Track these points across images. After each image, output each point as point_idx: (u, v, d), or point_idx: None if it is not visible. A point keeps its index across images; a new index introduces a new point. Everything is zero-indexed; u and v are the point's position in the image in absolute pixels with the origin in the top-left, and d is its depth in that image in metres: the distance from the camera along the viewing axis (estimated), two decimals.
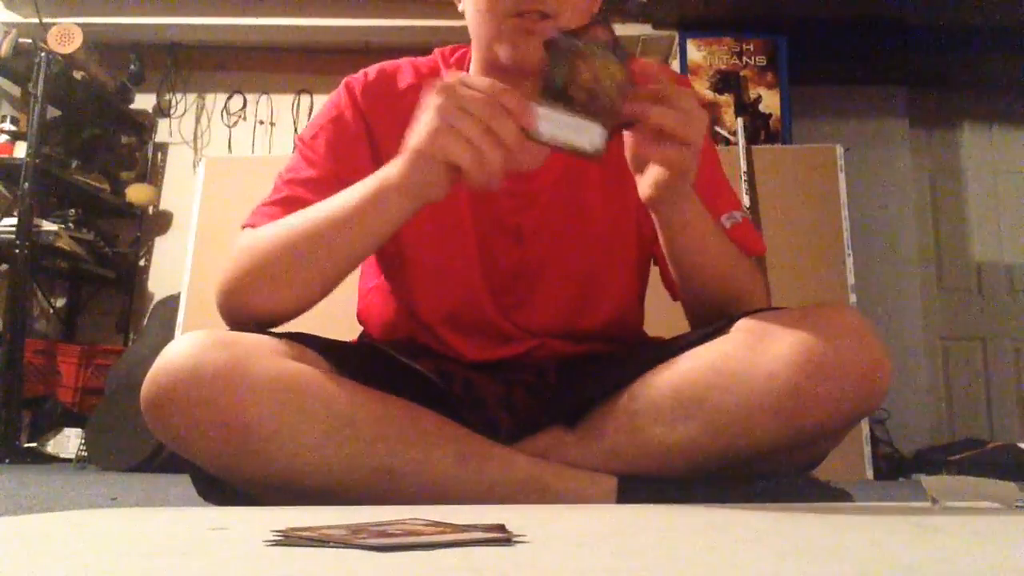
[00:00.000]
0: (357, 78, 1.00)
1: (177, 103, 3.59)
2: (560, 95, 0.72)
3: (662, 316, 1.06)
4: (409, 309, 1.00)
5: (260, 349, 0.78)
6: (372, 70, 1.01)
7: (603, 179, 0.97)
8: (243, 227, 0.92)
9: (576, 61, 0.72)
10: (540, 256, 0.97)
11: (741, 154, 2.82)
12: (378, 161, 0.88)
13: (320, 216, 0.83)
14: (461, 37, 0.98)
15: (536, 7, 0.87)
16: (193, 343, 0.76)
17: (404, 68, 1.01)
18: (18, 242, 2.76)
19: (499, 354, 0.97)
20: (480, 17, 0.91)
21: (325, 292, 0.86)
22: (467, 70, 1.00)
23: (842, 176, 2.76)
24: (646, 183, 0.79)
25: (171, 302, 2.85)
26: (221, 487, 0.81)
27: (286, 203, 0.91)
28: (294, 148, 0.99)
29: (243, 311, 0.86)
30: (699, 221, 0.86)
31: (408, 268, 0.99)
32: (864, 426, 2.50)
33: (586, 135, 0.73)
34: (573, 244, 0.98)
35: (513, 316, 0.97)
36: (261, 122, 3.55)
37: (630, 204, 0.96)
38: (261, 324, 0.86)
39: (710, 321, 0.88)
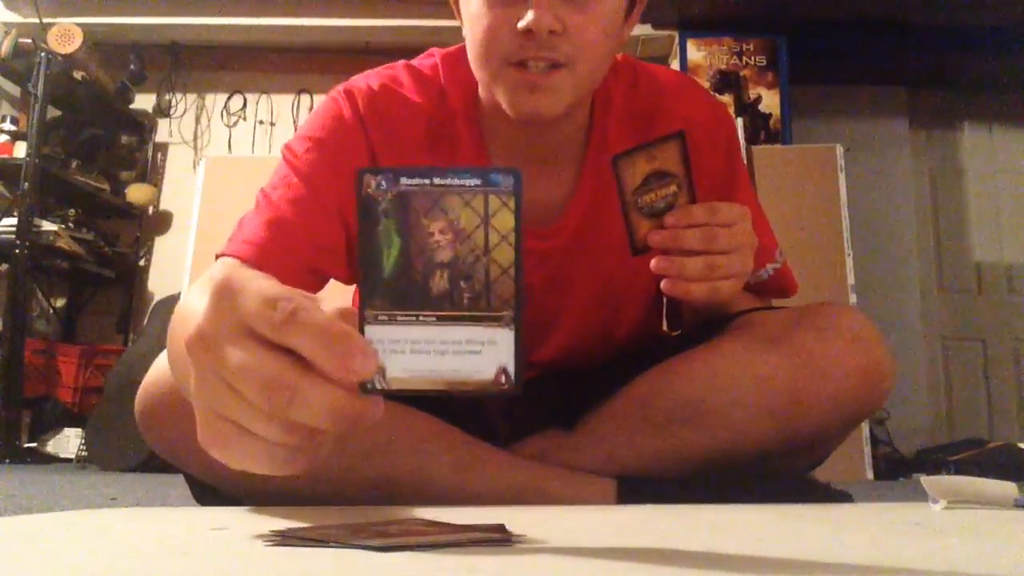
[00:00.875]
0: (359, 88, 0.85)
1: (177, 103, 3.59)
2: (401, 289, 0.39)
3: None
4: None
5: None
6: (373, 81, 0.86)
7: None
8: (219, 255, 0.77)
9: (410, 219, 0.39)
10: (548, 311, 0.90)
11: (741, 154, 2.82)
12: None
13: None
14: (462, 38, 0.86)
15: (543, 55, 0.73)
16: None
17: (404, 79, 0.87)
18: (18, 242, 2.76)
19: None
20: (476, 60, 0.79)
21: None
22: (474, 92, 0.86)
23: (842, 176, 2.76)
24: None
25: (171, 302, 2.85)
26: (217, 492, 0.80)
27: (272, 225, 0.78)
28: (280, 161, 0.84)
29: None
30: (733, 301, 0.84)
31: None
32: (864, 426, 2.50)
33: (472, 355, 0.39)
34: (584, 298, 0.91)
35: None
36: (261, 122, 3.56)
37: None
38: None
39: None
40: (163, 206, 3.50)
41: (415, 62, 0.90)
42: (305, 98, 3.55)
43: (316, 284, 0.81)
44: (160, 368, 0.75)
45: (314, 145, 0.82)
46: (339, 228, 0.80)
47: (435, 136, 0.85)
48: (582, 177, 0.87)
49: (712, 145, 0.90)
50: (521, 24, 0.71)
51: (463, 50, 0.85)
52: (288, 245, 0.77)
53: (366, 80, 0.86)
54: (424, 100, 0.85)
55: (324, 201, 0.79)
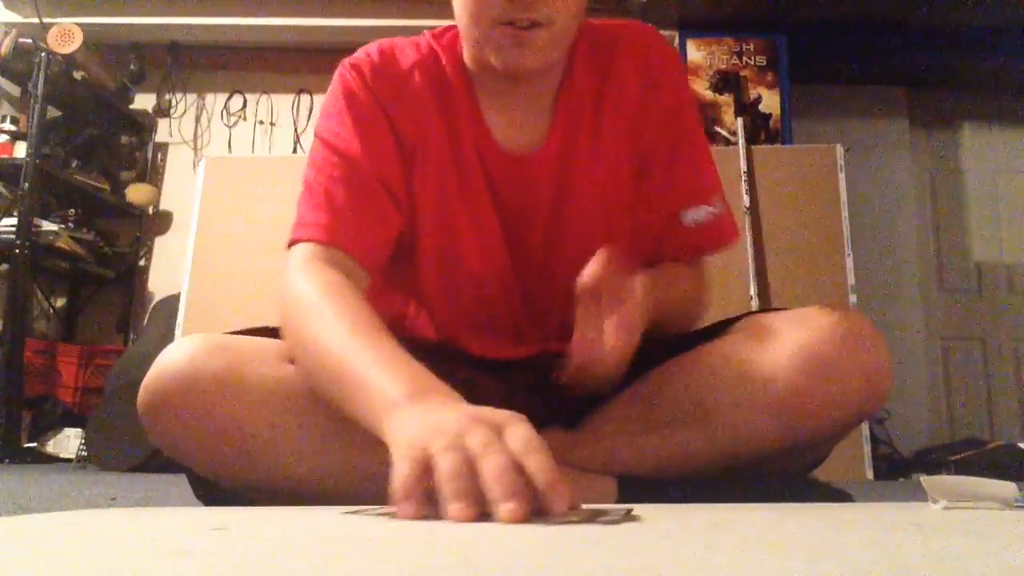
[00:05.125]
0: (361, 59, 0.95)
1: (177, 103, 3.59)
2: None
3: None
4: (425, 309, 0.97)
5: (257, 354, 0.78)
6: (373, 51, 0.96)
7: (593, 163, 0.96)
8: (290, 244, 0.85)
9: None
10: (554, 232, 0.95)
11: (741, 154, 2.82)
12: (398, 141, 0.90)
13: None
14: None
15: (527, 15, 0.82)
16: (189, 348, 0.76)
17: (402, 47, 0.98)
18: (18, 242, 2.76)
19: (510, 354, 0.94)
20: (467, 22, 0.87)
21: None
22: (459, 54, 0.97)
23: (842, 176, 2.76)
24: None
25: (171, 302, 2.85)
26: (218, 489, 0.81)
27: (330, 207, 0.86)
28: (315, 143, 0.94)
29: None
30: (661, 306, 0.85)
31: (434, 267, 0.95)
32: (864, 426, 2.50)
33: None
34: (585, 213, 0.95)
35: (536, 306, 0.95)
36: (261, 122, 3.56)
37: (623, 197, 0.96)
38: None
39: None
40: (163, 206, 3.50)
41: (410, 38, 1.02)
42: (305, 98, 3.55)
43: (387, 247, 0.91)
44: (166, 361, 0.75)
45: (338, 122, 0.92)
46: (382, 190, 0.89)
47: (434, 84, 0.95)
48: (556, 115, 0.95)
49: (660, 82, 0.98)
50: None
51: (451, 28, 0.99)
52: (351, 221, 0.86)
53: (365, 52, 0.97)
54: (419, 57, 0.97)
55: (364, 172, 0.88)
